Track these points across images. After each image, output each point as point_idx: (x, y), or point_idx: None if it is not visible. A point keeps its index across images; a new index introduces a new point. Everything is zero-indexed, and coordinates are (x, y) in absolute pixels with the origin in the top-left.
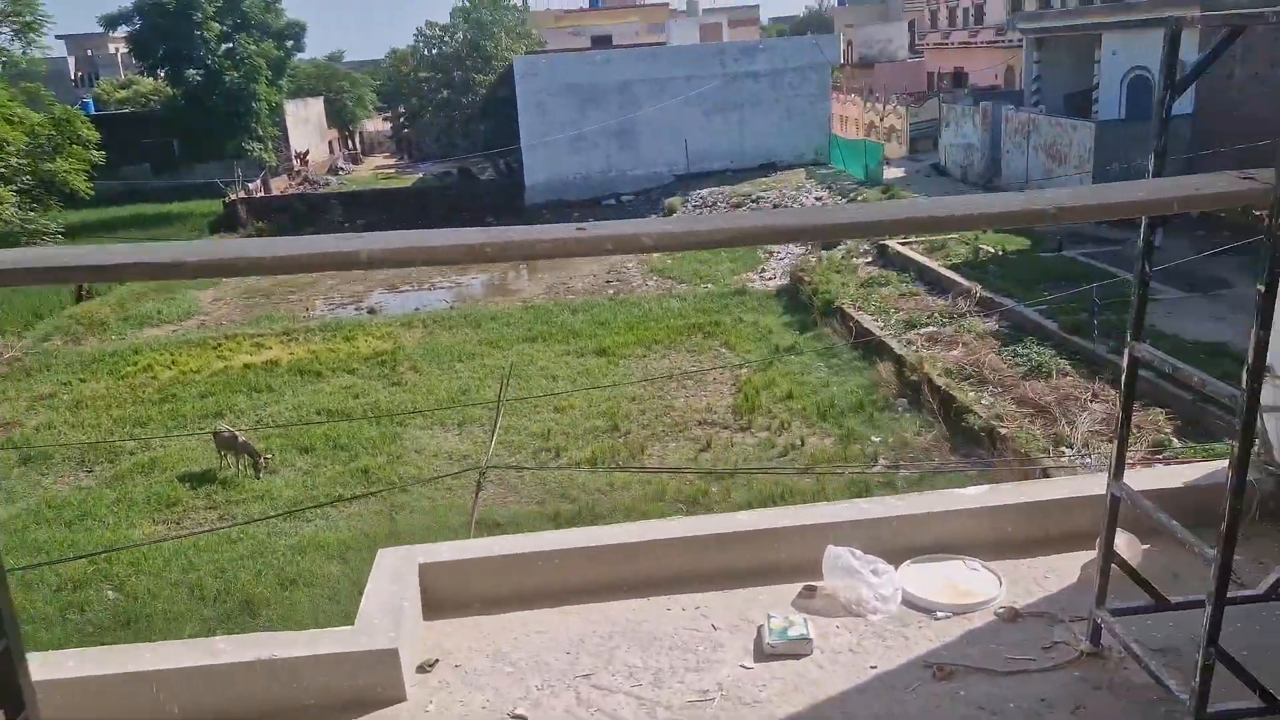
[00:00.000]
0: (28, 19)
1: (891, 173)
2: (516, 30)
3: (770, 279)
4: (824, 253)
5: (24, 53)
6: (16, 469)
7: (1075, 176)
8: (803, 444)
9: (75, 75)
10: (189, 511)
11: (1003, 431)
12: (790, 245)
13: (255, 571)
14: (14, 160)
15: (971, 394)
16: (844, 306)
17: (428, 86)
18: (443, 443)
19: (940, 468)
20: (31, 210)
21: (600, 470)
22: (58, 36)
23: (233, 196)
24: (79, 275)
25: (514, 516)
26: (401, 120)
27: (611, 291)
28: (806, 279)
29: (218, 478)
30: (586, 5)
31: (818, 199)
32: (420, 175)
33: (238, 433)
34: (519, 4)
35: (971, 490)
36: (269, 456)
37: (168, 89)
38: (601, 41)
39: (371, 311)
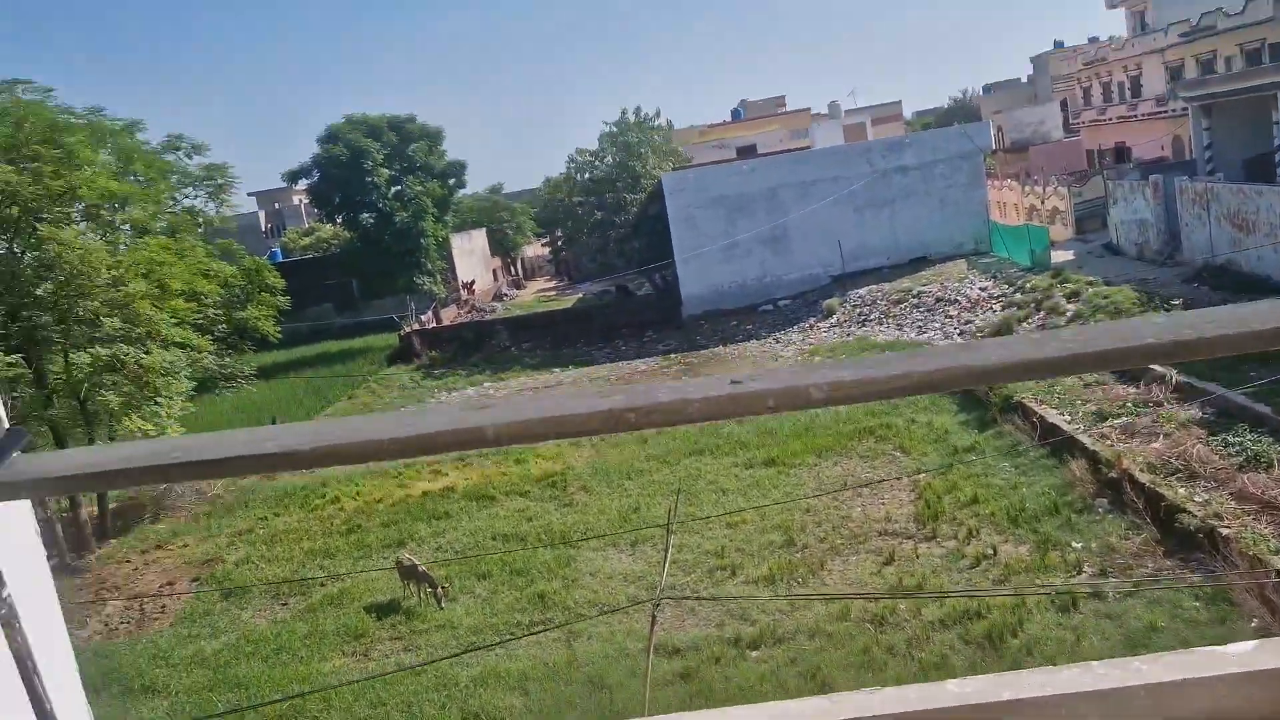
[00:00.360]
0: (219, 182)
1: (1060, 255)
2: (663, 149)
3: None
4: None
5: (217, 212)
6: (219, 604)
7: (1268, 245)
8: (995, 553)
9: (265, 227)
10: (375, 643)
11: (1224, 532)
12: (958, 339)
13: (439, 705)
14: (210, 311)
15: (1181, 490)
16: (1025, 401)
17: (582, 210)
18: (616, 564)
19: (1157, 575)
20: (227, 356)
21: (779, 595)
22: (249, 194)
23: (407, 329)
24: (186, 473)
25: (693, 641)
26: (559, 244)
27: None
28: None
29: (401, 607)
30: (729, 119)
31: (981, 289)
32: (580, 295)
33: (417, 561)
34: (664, 124)
35: (1236, 647)
36: (446, 586)
37: (345, 233)
38: (746, 152)
39: None
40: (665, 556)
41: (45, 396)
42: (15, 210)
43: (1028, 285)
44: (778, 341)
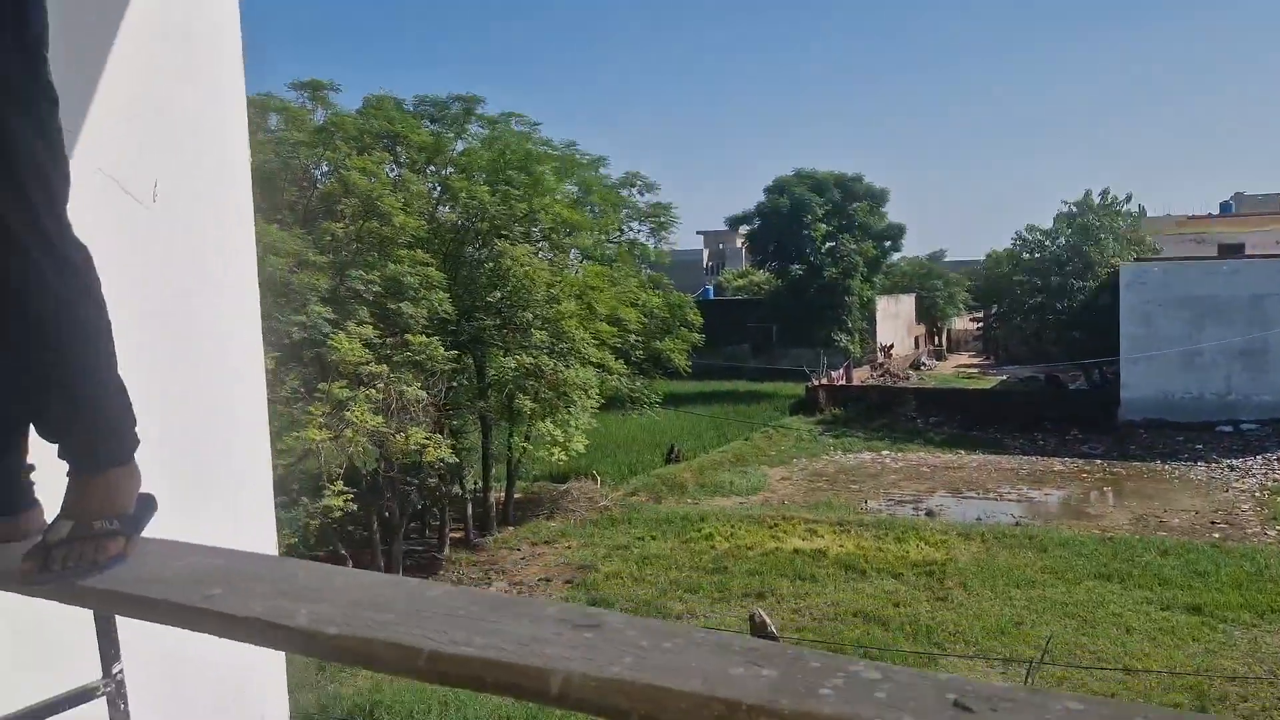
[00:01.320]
0: (662, 220)
1: None
2: (1126, 236)
3: None
4: None
5: (655, 246)
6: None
7: None
8: None
9: (706, 264)
10: None
11: None
12: None
13: None
14: (632, 337)
15: None
16: None
17: (1021, 289)
18: (981, 680)
19: None
20: (638, 379)
21: None
22: (698, 232)
23: (815, 382)
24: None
25: None
26: (991, 321)
27: (1217, 535)
28: None
29: None
30: (1217, 212)
31: None
32: (1003, 378)
33: (769, 621)
34: (1133, 210)
35: None
36: None
37: (775, 280)
38: (1230, 250)
39: (930, 514)
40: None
41: (480, 390)
42: (484, 225)
43: None
44: (1233, 469)
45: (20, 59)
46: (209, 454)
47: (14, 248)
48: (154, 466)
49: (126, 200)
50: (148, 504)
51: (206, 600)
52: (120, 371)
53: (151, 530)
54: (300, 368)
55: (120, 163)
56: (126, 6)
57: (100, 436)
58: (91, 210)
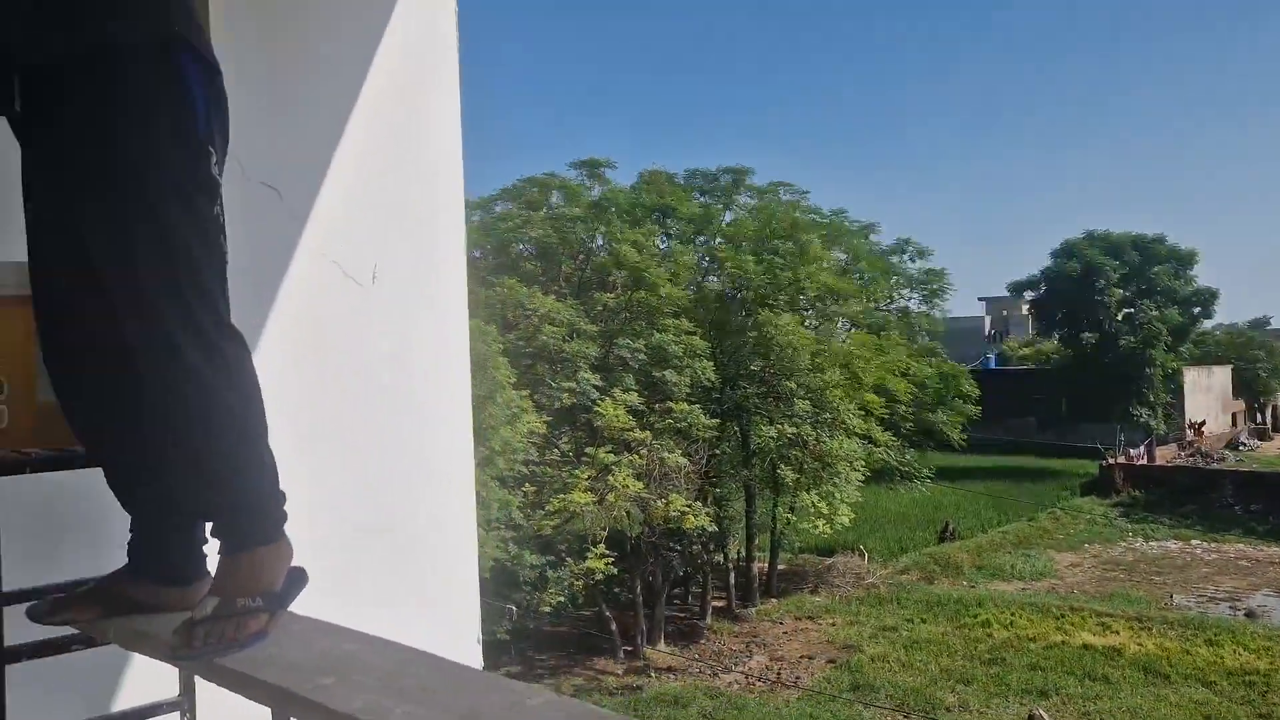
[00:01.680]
0: (934, 287)
1: None
2: None
3: None
4: None
5: (928, 314)
6: (846, 694)
7: None
8: None
9: (989, 332)
10: None
11: None
12: None
13: None
14: (901, 408)
15: None
16: None
17: None
18: None
19: None
20: (908, 452)
21: None
22: (980, 299)
23: (1110, 460)
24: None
25: None
26: None
27: None
28: None
29: None
30: None
31: None
32: None
33: None
34: None
35: None
36: None
37: (1064, 350)
38: None
39: (1250, 615)
40: None
41: (745, 458)
42: (749, 294)
43: None
44: None
45: (183, 155)
46: (413, 536)
47: (165, 337)
48: (353, 546)
49: (348, 283)
50: (297, 579)
51: (314, 690)
52: (328, 449)
53: (347, 612)
54: (570, 431)
55: (343, 248)
56: (352, 108)
57: (246, 518)
58: (315, 291)
